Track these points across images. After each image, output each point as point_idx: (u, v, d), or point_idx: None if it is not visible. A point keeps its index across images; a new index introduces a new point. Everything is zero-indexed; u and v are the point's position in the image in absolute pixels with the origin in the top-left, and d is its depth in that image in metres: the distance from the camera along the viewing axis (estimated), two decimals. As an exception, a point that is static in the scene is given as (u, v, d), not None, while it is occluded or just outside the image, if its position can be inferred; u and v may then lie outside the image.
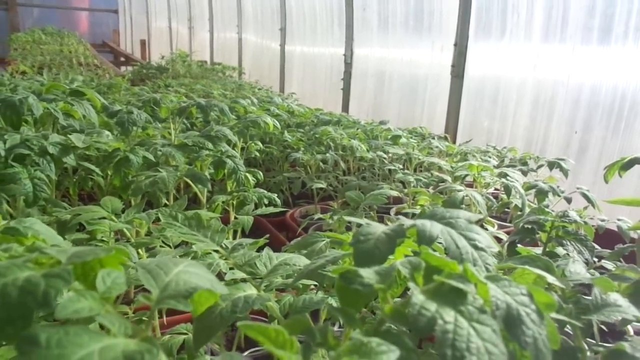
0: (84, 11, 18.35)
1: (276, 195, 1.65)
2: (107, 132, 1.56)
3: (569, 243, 0.86)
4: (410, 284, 0.40)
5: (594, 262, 0.96)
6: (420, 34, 4.05)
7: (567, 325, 0.63)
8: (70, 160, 1.36)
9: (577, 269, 0.59)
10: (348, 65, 4.89)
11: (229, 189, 1.68)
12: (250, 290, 0.70)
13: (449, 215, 0.55)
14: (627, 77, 2.61)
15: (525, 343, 0.40)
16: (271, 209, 1.53)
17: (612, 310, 0.52)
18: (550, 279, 0.56)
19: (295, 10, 6.03)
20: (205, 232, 0.81)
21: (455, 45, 3.46)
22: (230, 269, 0.74)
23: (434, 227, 0.52)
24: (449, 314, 0.38)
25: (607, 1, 2.65)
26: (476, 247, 0.52)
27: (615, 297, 0.54)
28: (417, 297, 0.39)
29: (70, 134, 1.46)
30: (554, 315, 0.53)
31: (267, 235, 0.99)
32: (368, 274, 0.43)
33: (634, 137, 2.59)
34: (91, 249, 0.42)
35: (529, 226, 0.92)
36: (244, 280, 0.73)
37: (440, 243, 0.56)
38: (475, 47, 3.43)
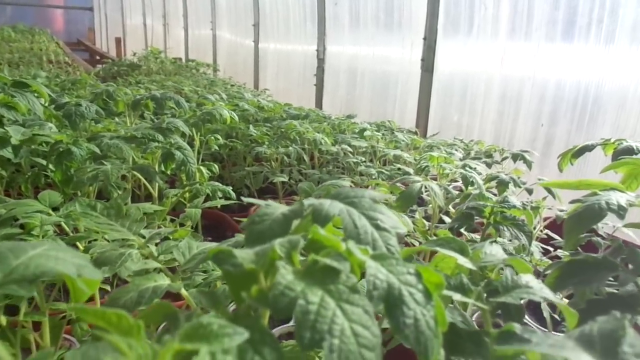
0: (59, 9, 18.01)
1: (231, 188, 1.60)
2: (50, 125, 1.50)
3: (505, 228, 0.83)
4: (279, 263, 0.37)
5: (530, 249, 0.94)
6: (391, 30, 4.04)
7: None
8: (7, 154, 1.30)
9: (494, 251, 0.57)
10: (321, 61, 4.86)
11: (183, 182, 1.63)
12: (162, 281, 0.66)
13: (353, 195, 0.52)
14: (589, 72, 2.64)
15: (404, 324, 0.37)
16: (222, 202, 1.48)
17: (522, 292, 0.50)
18: (462, 260, 0.54)
19: (269, 6, 5.98)
20: (124, 222, 0.76)
21: (424, 39, 3.45)
22: (146, 258, 0.70)
23: (332, 207, 0.49)
24: (316, 294, 0.35)
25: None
26: (378, 227, 0.49)
27: (527, 278, 0.52)
28: (285, 277, 0.35)
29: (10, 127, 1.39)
30: (459, 297, 0.51)
31: (189, 225, 0.95)
32: (243, 254, 0.39)
33: (597, 130, 2.61)
34: None
35: (469, 212, 0.89)
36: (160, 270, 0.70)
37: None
38: (445, 43, 3.43)
